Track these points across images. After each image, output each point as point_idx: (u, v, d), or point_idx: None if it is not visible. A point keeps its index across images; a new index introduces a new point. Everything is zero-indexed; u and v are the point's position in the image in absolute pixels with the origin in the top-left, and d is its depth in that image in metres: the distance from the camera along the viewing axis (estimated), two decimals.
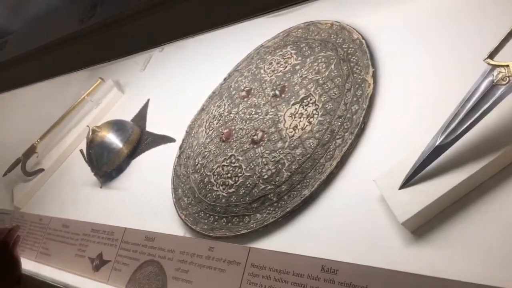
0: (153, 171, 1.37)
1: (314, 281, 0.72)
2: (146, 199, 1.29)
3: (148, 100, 1.68)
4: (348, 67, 1.01)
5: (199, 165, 1.16)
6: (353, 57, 1.02)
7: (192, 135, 1.29)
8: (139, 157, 1.50)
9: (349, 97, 0.97)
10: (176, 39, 1.18)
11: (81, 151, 1.52)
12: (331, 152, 0.93)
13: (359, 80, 0.97)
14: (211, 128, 1.21)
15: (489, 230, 0.66)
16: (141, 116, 1.64)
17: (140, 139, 1.55)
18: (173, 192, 1.20)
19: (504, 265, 0.62)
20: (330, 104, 0.98)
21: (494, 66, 0.67)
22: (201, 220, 1.07)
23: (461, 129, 0.69)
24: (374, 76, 0.96)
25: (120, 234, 1.15)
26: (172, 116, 1.50)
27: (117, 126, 1.55)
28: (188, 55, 1.67)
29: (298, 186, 0.93)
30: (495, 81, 0.66)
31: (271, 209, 0.95)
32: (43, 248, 1.36)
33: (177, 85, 1.61)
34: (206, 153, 1.16)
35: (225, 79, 1.34)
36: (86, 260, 1.19)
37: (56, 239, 1.34)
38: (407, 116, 0.87)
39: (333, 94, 0.99)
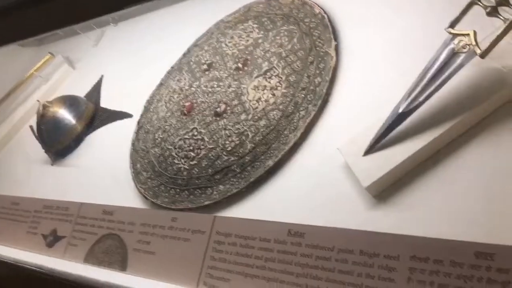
0: (109, 147, 1.34)
1: (281, 245, 0.73)
2: (102, 175, 1.26)
3: (102, 76, 1.63)
4: (310, 41, 1.02)
5: (159, 139, 1.14)
6: (315, 31, 1.03)
7: (151, 110, 1.27)
8: (94, 133, 1.45)
9: (312, 69, 0.98)
10: (130, 5, 1.15)
11: (30, 127, 1.45)
12: (295, 123, 0.94)
13: (322, 53, 0.99)
14: (171, 102, 1.19)
15: (448, 193, 0.69)
16: (95, 93, 1.59)
17: (94, 115, 1.50)
18: (131, 167, 1.17)
19: (464, 223, 0.65)
20: (293, 76, 0.99)
21: (455, 35, 0.69)
22: (161, 194, 1.06)
23: (423, 96, 0.72)
24: (337, 49, 0.97)
25: (75, 209, 1.12)
26: (128, 92, 1.47)
27: (70, 101, 1.50)
28: (143, 31, 1.63)
29: (262, 157, 0.94)
30: (456, 49, 0.69)
31: (234, 180, 0.95)
32: None
33: (133, 61, 1.57)
34: (166, 127, 1.14)
35: (184, 54, 1.32)
36: (38, 237, 1.15)
37: (5, 217, 1.28)
38: (370, 87, 0.89)
39: (296, 66, 1.00)
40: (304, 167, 0.88)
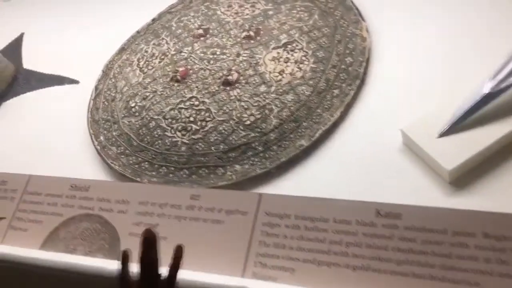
0: (46, 116, 1.06)
1: (369, 228, 0.61)
2: (44, 146, 0.99)
3: (22, 34, 1.33)
4: (333, 20, 0.94)
5: (137, 107, 0.94)
6: (336, 11, 0.96)
7: (112, 76, 1.05)
8: (15, 99, 1.15)
9: (340, 48, 0.89)
10: None
11: None
12: (328, 102, 0.83)
13: (349, 34, 0.91)
14: (150, 67, 0.99)
15: None
16: (14, 51, 1.28)
17: (14, 78, 1.20)
18: (94, 138, 0.94)
19: None
20: (321, 52, 0.89)
21: None
22: (145, 172, 0.86)
23: None
24: (367, 30, 0.91)
25: (19, 183, 0.85)
26: (65, 55, 1.21)
27: None
28: None
29: (291, 135, 0.81)
30: None
31: (256, 159, 0.81)
32: None
33: (66, 22, 1.31)
34: (147, 94, 0.94)
35: (153, 19, 1.14)
36: None
37: None
38: (410, 67, 0.84)
39: (323, 43, 0.90)
40: (348, 148, 0.78)
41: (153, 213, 0.72)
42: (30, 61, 1.24)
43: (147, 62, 1.01)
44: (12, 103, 1.15)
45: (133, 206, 0.74)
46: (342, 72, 0.86)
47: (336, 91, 0.84)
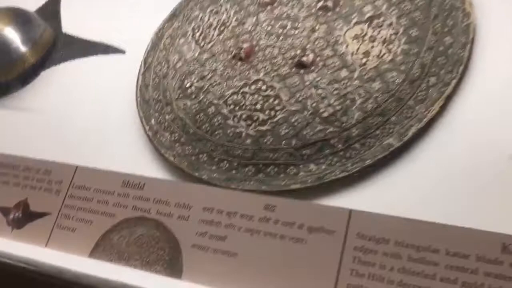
0: (89, 90, 0.96)
1: (492, 266, 0.50)
2: (86, 127, 0.89)
3: None
4: None
5: (193, 87, 0.82)
6: None
7: (162, 48, 0.93)
8: (55, 68, 1.05)
9: (438, 25, 0.75)
10: None
11: None
12: (422, 93, 0.70)
13: (447, 7, 0.76)
14: (208, 41, 0.87)
15: None
16: (49, 13, 1.16)
17: (53, 44, 1.09)
18: (144, 122, 0.83)
19: None
20: (414, 30, 0.75)
21: None
22: (204, 166, 0.75)
23: None
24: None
25: (64, 174, 0.76)
26: (108, 18, 1.09)
27: (22, 18, 1.07)
28: None
29: (377, 132, 0.69)
30: None
31: (335, 159, 0.69)
32: None
33: None
34: (206, 73, 0.82)
35: None
36: None
37: None
38: None
39: (417, 18, 0.76)
40: (448, 153, 0.65)
41: (220, 223, 0.62)
42: (70, 24, 1.12)
43: (204, 34, 0.88)
44: (52, 72, 1.05)
45: (196, 212, 0.64)
46: (440, 56, 0.72)
47: (432, 79, 0.71)
